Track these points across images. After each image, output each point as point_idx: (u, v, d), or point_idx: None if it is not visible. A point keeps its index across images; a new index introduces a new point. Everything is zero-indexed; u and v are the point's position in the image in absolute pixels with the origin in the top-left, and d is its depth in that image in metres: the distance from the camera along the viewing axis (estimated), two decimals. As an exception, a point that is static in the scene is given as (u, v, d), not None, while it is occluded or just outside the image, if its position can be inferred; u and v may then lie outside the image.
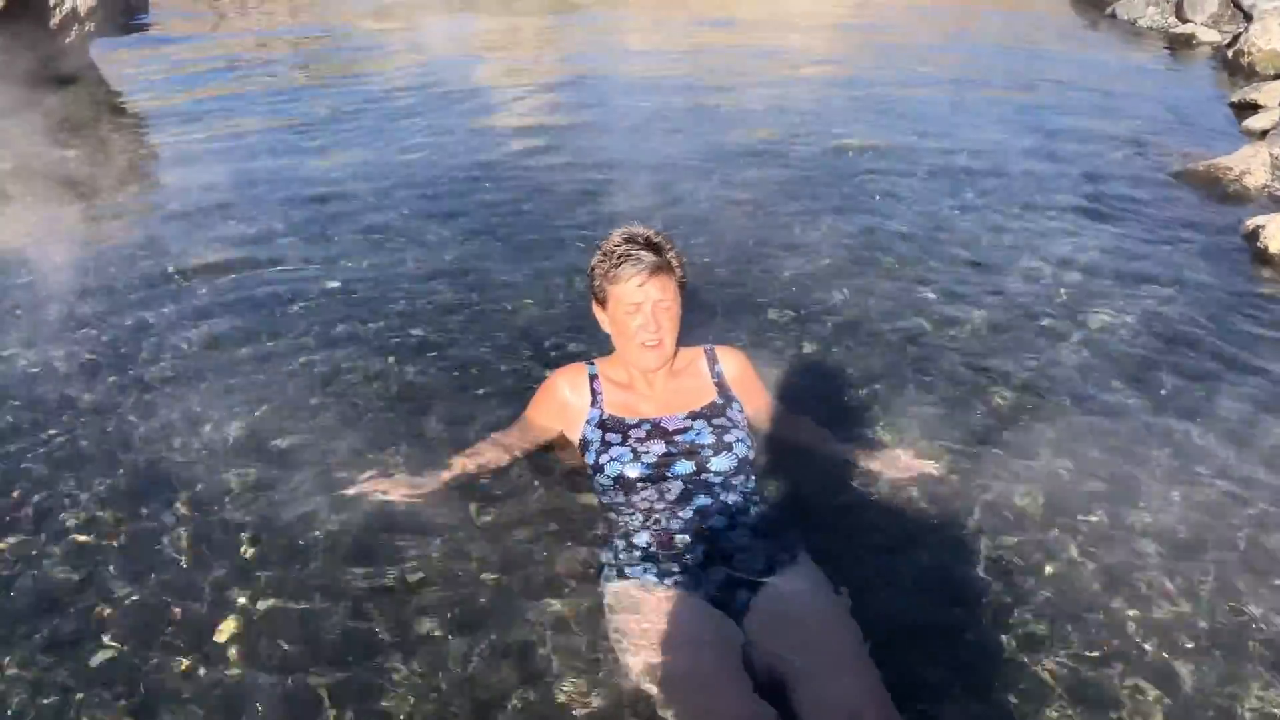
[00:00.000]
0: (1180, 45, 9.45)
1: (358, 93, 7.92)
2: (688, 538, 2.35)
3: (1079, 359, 3.49)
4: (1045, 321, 3.77)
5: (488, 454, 2.80)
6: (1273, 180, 5.28)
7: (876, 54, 9.50)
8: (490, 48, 10.15)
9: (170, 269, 4.30)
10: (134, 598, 2.41)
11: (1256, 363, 3.48)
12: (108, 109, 7.54)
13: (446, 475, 2.74)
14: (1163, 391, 3.28)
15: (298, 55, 9.53)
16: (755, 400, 2.84)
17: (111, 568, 2.51)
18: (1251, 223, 4.54)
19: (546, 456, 2.85)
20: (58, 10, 7.50)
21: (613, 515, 2.52)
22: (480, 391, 3.31)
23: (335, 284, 4.13)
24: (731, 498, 2.48)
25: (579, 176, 5.60)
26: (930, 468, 2.82)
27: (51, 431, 3.09)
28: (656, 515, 2.43)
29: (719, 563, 2.30)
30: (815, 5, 12.82)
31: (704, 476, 2.52)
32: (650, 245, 2.61)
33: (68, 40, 7.80)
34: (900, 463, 2.82)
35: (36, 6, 7.25)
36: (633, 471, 2.54)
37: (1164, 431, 3.07)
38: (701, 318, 3.64)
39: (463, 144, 6.42)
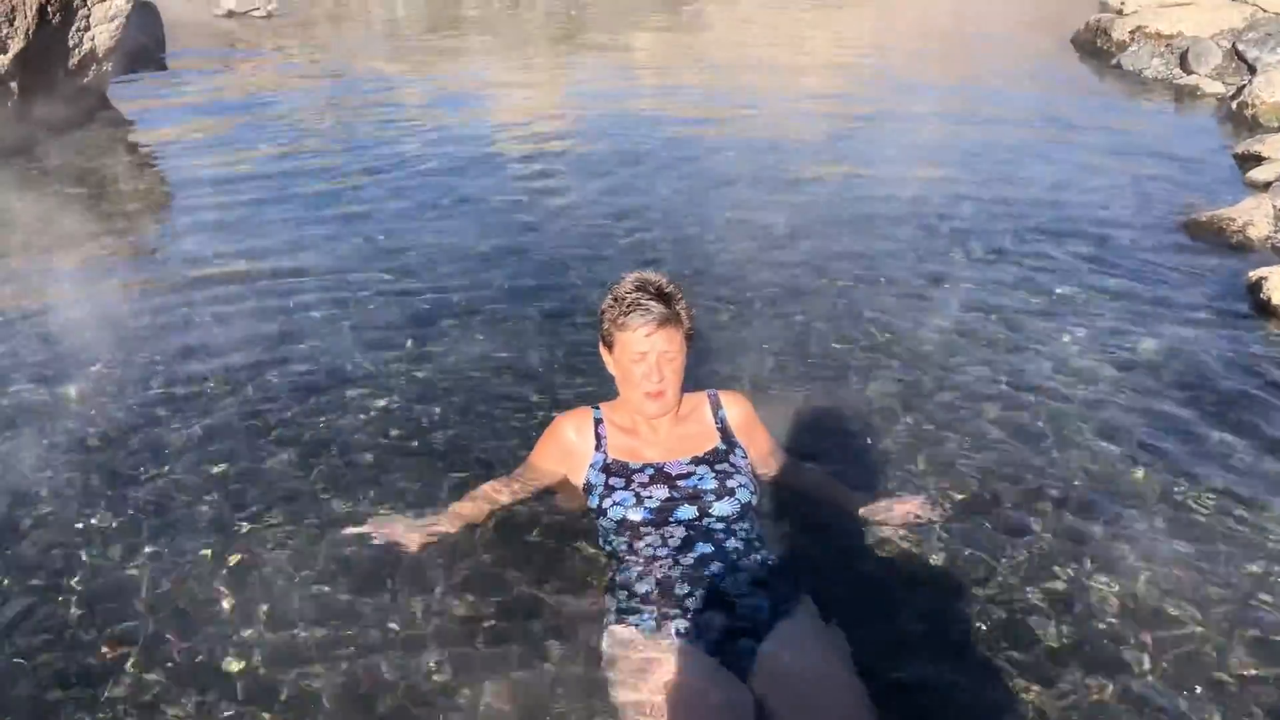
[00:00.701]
0: (1185, 97, 9.53)
1: (371, 128, 8.03)
2: (689, 585, 2.35)
3: (1079, 408, 3.50)
4: (1045, 369, 3.79)
5: (492, 497, 2.81)
6: (1275, 232, 5.31)
7: (882, 97, 9.61)
8: (503, 84, 10.28)
9: (183, 312, 4.35)
10: (143, 631, 2.43)
11: (1257, 415, 3.48)
12: (123, 149, 7.65)
13: (450, 518, 2.75)
14: (1162, 443, 3.29)
15: (312, 95, 9.67)
16: (759, 445, 2.85)
17: (120, 602, 2.53)
18: (1254, 274, 4.56)
19: (550, 500, 2.86)
20: (77, 51, 7.63)
21: (615, 560, 2.52)
22: (484, 434, 3.33)
23: (346, 323, 4.18)
24: (734, 544, 2.47)
25: (587, 217, 5.67)
26: (935, 515, 2.82)
27: (65, 465, 3.13)
28: (659, 561, 2.43)
29: (721, 610, 2.29)
30: (825, 44, 12.99)
31: (706, 522, 2.52)
32: (661, 296, 2.62)
33: (85, 80, 7.94)
34: (904, 510, 2.82)
35: (55, 47, 7.38)
36: (635, 515, 2.55)
37: (1162, 482, 3.07)
38: (706, 361, 3.67)
39: (474, 178, 6.50)
